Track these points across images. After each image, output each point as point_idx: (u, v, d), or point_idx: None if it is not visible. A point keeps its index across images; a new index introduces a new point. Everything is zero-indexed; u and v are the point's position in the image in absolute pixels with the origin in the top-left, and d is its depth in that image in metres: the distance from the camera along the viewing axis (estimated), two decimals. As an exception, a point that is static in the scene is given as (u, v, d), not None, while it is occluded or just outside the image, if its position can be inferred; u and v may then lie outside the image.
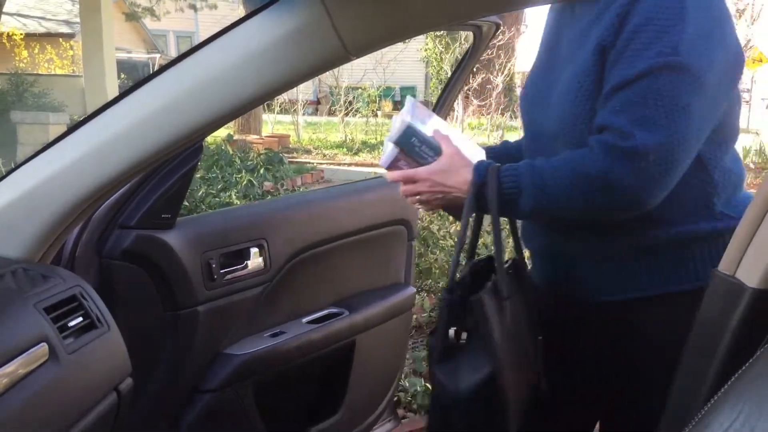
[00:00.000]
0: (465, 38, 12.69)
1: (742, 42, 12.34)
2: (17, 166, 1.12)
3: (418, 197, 1.35)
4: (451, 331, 1.27)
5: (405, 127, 1.33)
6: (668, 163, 1.13)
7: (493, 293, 1.26)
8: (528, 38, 13.87)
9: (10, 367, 0.93)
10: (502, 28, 2.01)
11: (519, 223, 1.46)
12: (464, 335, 1.28)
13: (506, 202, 1.25)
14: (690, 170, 1.20)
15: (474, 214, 1.37)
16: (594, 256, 1.32)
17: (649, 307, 1.30)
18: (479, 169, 1.28)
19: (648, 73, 1.13)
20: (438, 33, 13.34)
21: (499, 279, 1.27)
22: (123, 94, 1.05)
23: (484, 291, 1.25)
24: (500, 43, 10.50)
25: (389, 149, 1.36)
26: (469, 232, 1.34)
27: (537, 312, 1.38)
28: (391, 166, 1.36)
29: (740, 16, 13.46)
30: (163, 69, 1.03)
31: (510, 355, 1.25)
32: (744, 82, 15.79)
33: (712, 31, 1.16)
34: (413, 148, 1.33)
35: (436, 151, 1.33)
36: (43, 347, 1.00)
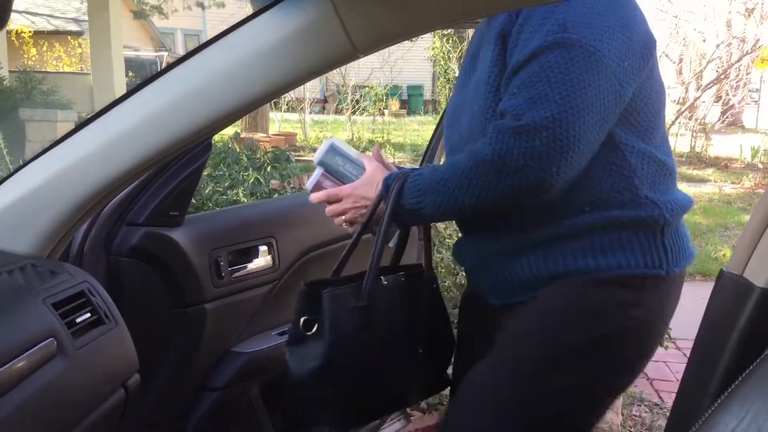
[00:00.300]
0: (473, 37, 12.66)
1: (751, 41, 12.27)
2: (25, 164, 1.13)
3: (343, 217, 1.36)
4: (302, 320, 1.31)
5: (328, 147, 1.37)
6: (563, 140, 1.10)
7: (352, 294, 1.28)
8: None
9: (18, 363, 0.94)
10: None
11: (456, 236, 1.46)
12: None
13: (412, 207, 1.25)
14: (604, 153, 1.18)
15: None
16: (511, 249, 1.28)
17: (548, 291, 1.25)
18: (389, 178, 1.29)
19: (539, 52, 1.12)
20: (445, 32, 13.32)
21: (365, 283, 1.28)
22: (131, 92, 1.06)
23: (340, 289, 1.28)
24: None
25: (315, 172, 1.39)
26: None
27: (428, 324, 1.38)
28: (316, 188, 1.38)
29: (749, 16, 13.38)
30: (170, 67, 1.03)
31: (351, 354, 1.28)
32: (753, 82, 15.70)
33: (606, 9, 1.15)
34: (337, 167, 1.36)
35: (360, 170, 1.36)
36: (52, 342, 1.01)
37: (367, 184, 1.33)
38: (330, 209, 1.36)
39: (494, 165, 1.14)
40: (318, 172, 1.38)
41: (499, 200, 1.17)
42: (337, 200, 1.35)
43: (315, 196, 1.37)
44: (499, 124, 1.14)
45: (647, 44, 1.21)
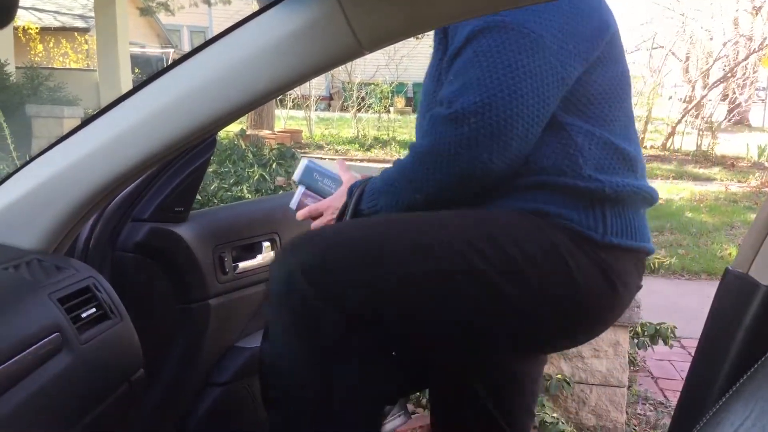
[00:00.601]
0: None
1: (758, 40, 12.23)
2: (32, 159, 1.13)
3: None
4: None
5: (305, 166, 1.42)
6: (494, 125, 1.07)
7: None
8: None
9: (24, 357, 0.94)
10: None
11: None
12: None
13: (370, 211, 1.25)
14: (549, 134, 1.15)
15: None
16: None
17: None
18: (353, 186, 1.31)
19: (472, 37, 1.11)
20: (451, 29, 13.29)
21: None
22: (136, 88, 1.06)
23: None
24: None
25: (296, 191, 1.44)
26: None
27: None
28: (300, 206, 1.43)
29: (756, 14, 13.33)
30: (176, 63, 1.03)
31: None
32: (760, 81, 15.64)
33: None
34: (316, 183, 1.42)
35: (338, 183, 1.40)
36: (57, 337, 1.01)
37: (343, 195, 1.35)
38: (314, 225, 1.38)
39: (430, 156, 1.13)
40: (300, 190, 1.43)
41: (439, 192, 1.16)
42: (319, 215, 1.37)
43: (300, 214, 1.41)
44: (434, 114, 1.13)
45: (600, 29, 1.19)
